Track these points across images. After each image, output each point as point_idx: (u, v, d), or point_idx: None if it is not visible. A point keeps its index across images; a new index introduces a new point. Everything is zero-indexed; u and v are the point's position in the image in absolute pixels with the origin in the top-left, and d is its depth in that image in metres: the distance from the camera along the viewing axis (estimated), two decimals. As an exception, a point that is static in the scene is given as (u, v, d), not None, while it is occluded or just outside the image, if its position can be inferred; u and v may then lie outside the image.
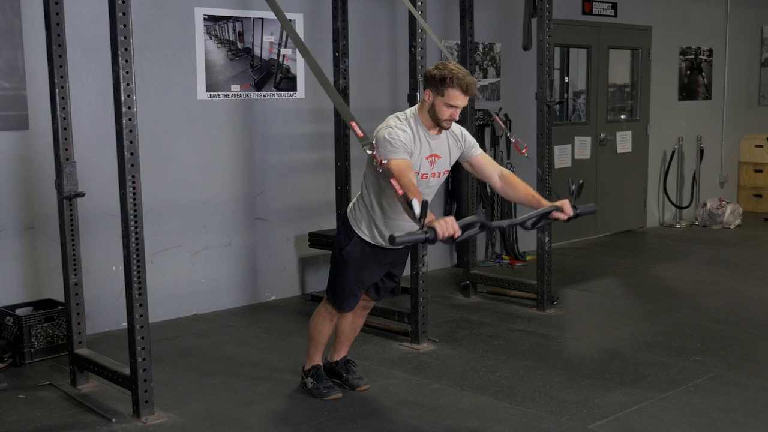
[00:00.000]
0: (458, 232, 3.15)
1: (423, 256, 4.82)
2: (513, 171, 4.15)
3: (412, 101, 4.79)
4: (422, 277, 4.86)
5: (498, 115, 7.22)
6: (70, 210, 4.20)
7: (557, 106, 8.08)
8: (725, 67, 9.83)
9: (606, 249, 8.07)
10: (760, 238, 8.57)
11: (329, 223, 6.17)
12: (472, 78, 3.64)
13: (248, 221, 5.96)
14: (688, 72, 9.44)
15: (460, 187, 6.35)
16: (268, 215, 6.05)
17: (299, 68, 6.08)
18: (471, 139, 3.87)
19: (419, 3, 4.71)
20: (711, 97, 9.76)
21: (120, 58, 3.61)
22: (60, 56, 4.08)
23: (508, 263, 7.27)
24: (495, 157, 7.06)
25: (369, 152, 3.35)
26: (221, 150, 5.78)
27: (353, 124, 3.33)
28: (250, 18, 5.80)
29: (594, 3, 8.17)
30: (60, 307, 4.73)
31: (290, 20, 5.97)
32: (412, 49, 4.80)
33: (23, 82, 4.87)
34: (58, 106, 4.10)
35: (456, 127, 3.80)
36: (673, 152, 9.21)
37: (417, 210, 3.11)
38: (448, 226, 3.13)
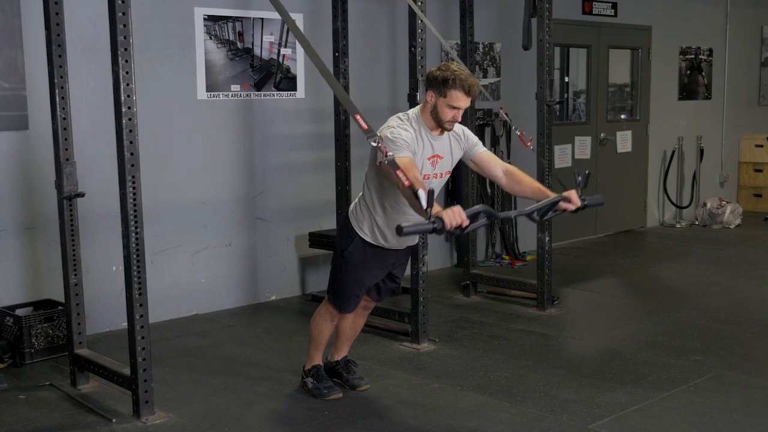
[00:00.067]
0: (466, 222, 3.12)
1: (423, 256, 4.82)
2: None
3: (412, 101, 4.79)
4: (422, 276, 4.86)
5: (498, 115, 7.22)
6: (70, 210, 4.20)
7: (557, 105, 8.08)
8: (725, 67, 9.83)
9: (606, 249, 8.07)
10: (760, 237, 8.57)
11: (329, 223, 6.17)
12: (474, 79, 3.64)
13: (248, 221, 5.96)
14: (688, 72, 9.44)
15: (461, 187, 6.35)
16: (268, 215, 6.05)
17: (299, 68, 6.08)
18: (473, 138, 3.86)
19: (419, 3, 4.71)
20: (711, 96, 9.76)
21: (120, 58, 3.60)
22: (60, 56, 4.08)
23: (508, 263, 7.27)
24: (495, 157, 7.04)
25: (374, 144, 3.31)
26: (221, 150, 5.78)
27: (357, 116, 3.30)
28: (250, 18, 5.80)
29: (594, 3, 8.17)
30: (60, 308, 4.73)
31: (290, 20, 5.97)
32: (412, 49, 4.80)
33: (23, 82, 4.87)
34: (58, 106, 4.10)
35: (458, 127, 3.79)
36: (673, 152, 9.21)
37: (423, 200, 3.07)
38: (456, 216, 3.10)
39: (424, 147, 3.68)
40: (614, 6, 8.38)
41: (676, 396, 4.09)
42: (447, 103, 3.62)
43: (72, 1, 4.65)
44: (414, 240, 4.02)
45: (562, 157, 7.97)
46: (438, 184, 3.81)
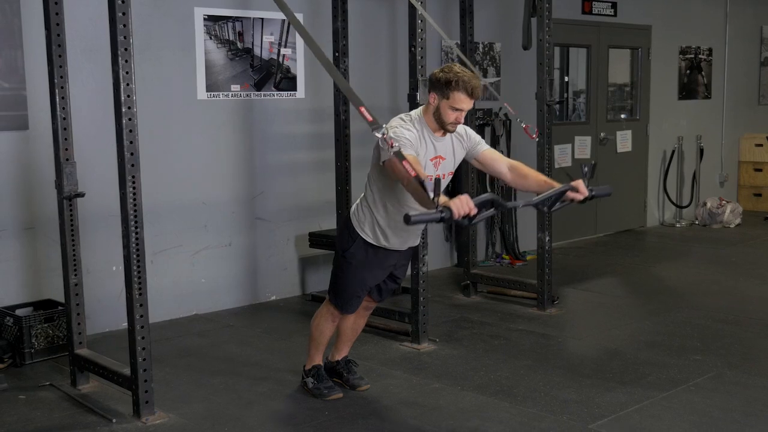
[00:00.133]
0: (474, 210, 3.08)
1: (423, 255, 4.82)
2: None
3: (412, 101, 4.79)
4: (422, 276, 4.86)
5: (498, 114, 7.23)
6: (70, 210, 4.20)
7: (557, 105, 8.08)
8: (725, 67, 9.84)
9: (606, 248, 8.07)
10: (760, 237, 8.57)
11: (329, 223, 6.17)
12: (477, 81, 3.62)
13: (248, 221, 5.96)
14: (688, 71, 9.44)
15: (461, 188, 6.34)
16: (268, 215, 6.05)
17: (299, 68, 6.08)
18: (476, 137, 3.86)
19: (419, 3, 4.70)
20: (711, 96, 9.76)
21: (120, 58, 3.60)
22: (60, 56, 4.08)
23: (509, 263, 7.27)
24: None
25: (379, 135, 3.26)
26: (221, 150, 5.78)
27: (362, 108, 3.27)
28: (250, 18, 5.80)
29: (594, 2, 8.17)
30: (60, 308, 4.73)
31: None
32: (412, 49, 4.80)
33: (23, 82, 4.87)
34: (58, 106, 4.10)
35: (459, 127, 3.79)
36: (673, 151, 9.21)
37: (430, 188, 3.03)
38: (464, 205, 3.06)
39: (426, 148, 3.68)
40: (614, 6, 8.38)
41: (677, 396, 4.09)
42: (450, 105, 3.61)
43: (72, 1, 4.65)
44: (416, 241, 4.02)
45: (562, 156, 7.97)
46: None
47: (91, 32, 5.03)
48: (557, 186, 3.52)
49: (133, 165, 3.69)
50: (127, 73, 3.62)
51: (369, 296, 4.10)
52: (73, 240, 4.23)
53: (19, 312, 4.77)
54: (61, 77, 4.10)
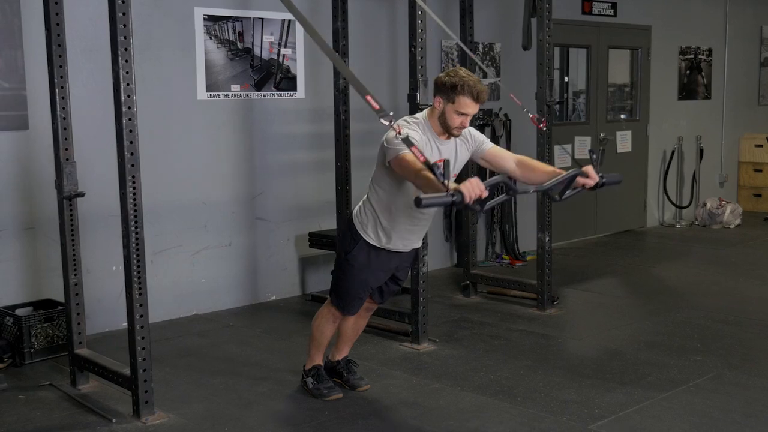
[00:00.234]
0: (485, 193, 3.02)
1: (423, 256, 4.82)
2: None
3: (412, 101, 4.79)
4: (422, 277, 4.85)
5: (498, 115, 7.22)
6: (70, 210, 4.20)
7: (557, 106, 8.08)
8: (725, 67, 9.84)
9: (606, 249, 8.07)
10: (759, 237, 8.57)
11: (329, 223, 6.17)
12: (483, 85, 3.61)
13: (248, 221, 5.96)
14: (688, 72, 9.44)
15: (460, 187, 6.34)
16: (268, 215, 6.05)
17: (299, 68, 6.08)
18: (479, 136, 3.85)
19: (419, 3, 4.70)
20: (711, 96, 9.76)
21: (120, 58, 3.60)
22: (60, 56, 4.08)
23: (508, 263, 7.27)
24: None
25: (385, 122, 3.21)
26: (221, 150, 5.78)
27: (368, 97, 3.23)
28: (250, 18, 5.80)
29: (594, 3, 8.17)
30: (60, 307, 4.73)
31: (289, 20, 5.98)
32: (412, 49, 4.80)
33: (23, 82, 4.87)
34: (58, 106, 4.10)
35: None
36: (673, 152, 9.22)
37: (440, 171, 2.97)
38: (474, 187, 3.00)
39: (431, 151, 3.67)
40: (614, 6, 8.38)
41: (676, 396, 4.09)
42: (455, 110, 3.60)
43: (72, 1, 4.65)
44: (419, 242, 4.01)
45: (562, 157, 7.96)
46: None
47: (91, 32, 5.03)
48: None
49: (133, 165, 3.69)
50: (127, 73, 3.62)
51: (370, 298, 4.09)
52: (73, 240, 4.23)
53: (18, 312, 4.77)
54: (61, 77, 4.10)
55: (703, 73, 9.62)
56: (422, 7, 4.63)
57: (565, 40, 7.94)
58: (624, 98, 9.02)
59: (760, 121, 10.33)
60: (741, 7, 9.85)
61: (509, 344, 5.00)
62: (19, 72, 4.85)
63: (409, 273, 4.86)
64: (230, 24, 5.71)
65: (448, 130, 3.68)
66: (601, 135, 8.46)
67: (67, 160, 4.11)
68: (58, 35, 4.05)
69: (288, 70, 6.04)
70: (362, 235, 3.83)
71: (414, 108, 4.75)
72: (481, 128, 7.05)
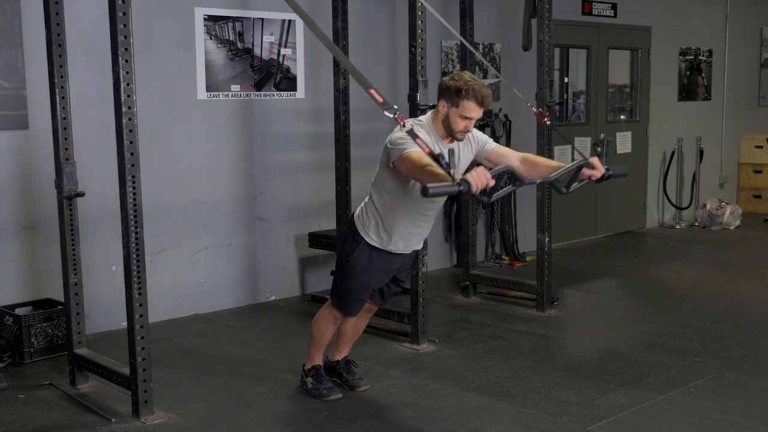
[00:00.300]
0: (492, 182, 3.01)
1: (423, 256, 4.82)
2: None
3: (412, 101, 4.79)
4: (422, 277, 4.85)
5: (498, 116, 7.22)
6: (70, 210, 4.20)
7: (557, 106, 8.07)
8: (725, 68, 9.84)
9: (606, 250, 8.07)
10: (759, 238, 8.57)
11: (329, 223, 6.17)
12: (487, 90, 3.61)
13: (248, 221, 5.96)
14: (688, 72, 9.44)
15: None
16: (268, 215, 6.05)
17: (299, 68, 6.08)
18: (482, 137, 3.85)
19: (419, 3, 4.70)
20: (711, 97, 9.76)
21: (120, 58, 3.60)
22: (60, 56, 4.08)
23: (508, 264, 7.27)
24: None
25: (389, 115, 3.19)
26: (221, 150, 5.78)
27: (372, 91, 3.22)
28: (250, 18, 5.80)
29: (594, 3, 8.17)
30: (59, 307, 4.73)
31: (290, 20, 5.98)
32: (412, 50, 4.80)
33: (23, 82, 4.87)
34: (58, 106, 4.10)
35: None
36: (673, 153, 9.22)
37: (445, 160, 2.96)
38: (481, 176, 2.98)
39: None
40: (614, 6, 8.38)
41: (676, 397, 4.09)
42: (459, 114, 3.60)
43: (72, 1, 4.64)
44: (420, 244, 4.01)
45: (562, 157, 7.97)
46: None
47: (91, 32, 5.03)
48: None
49: (133, 165, 3.69)
50: (127, 73, 3.62)
51: (371, 299, 4.09)
52: (72, 240, 4.23)
53: (18, 311, 4.77)
54: (61, 77, 4.10)
55: (703, 74, 9.62)
56: (424, 5, 4.62)
57: (565, 40, 7.94)
58: (624, 99, 9.02)
59: (760, 122, 10.34)
60: (741, 8, 9.85)
61: (509, 345, 5.00)
62: (19, 72, 4.85)
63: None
64: (230, 24, 5.71)
65: (451, 134, 3.67)
66: (601, 136, 8.45)
67: (67, 159, 4.11)
68: (58, 35, 4.05)
69: (288, 70, 6.04)
70: (364, 236, 3.83)
71: (414, 108, 4.75)
72: (481, 129, 7.00)
